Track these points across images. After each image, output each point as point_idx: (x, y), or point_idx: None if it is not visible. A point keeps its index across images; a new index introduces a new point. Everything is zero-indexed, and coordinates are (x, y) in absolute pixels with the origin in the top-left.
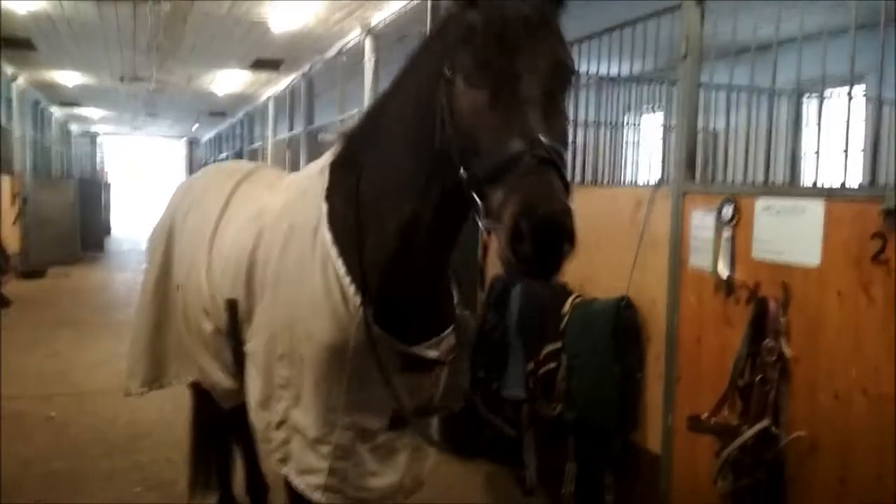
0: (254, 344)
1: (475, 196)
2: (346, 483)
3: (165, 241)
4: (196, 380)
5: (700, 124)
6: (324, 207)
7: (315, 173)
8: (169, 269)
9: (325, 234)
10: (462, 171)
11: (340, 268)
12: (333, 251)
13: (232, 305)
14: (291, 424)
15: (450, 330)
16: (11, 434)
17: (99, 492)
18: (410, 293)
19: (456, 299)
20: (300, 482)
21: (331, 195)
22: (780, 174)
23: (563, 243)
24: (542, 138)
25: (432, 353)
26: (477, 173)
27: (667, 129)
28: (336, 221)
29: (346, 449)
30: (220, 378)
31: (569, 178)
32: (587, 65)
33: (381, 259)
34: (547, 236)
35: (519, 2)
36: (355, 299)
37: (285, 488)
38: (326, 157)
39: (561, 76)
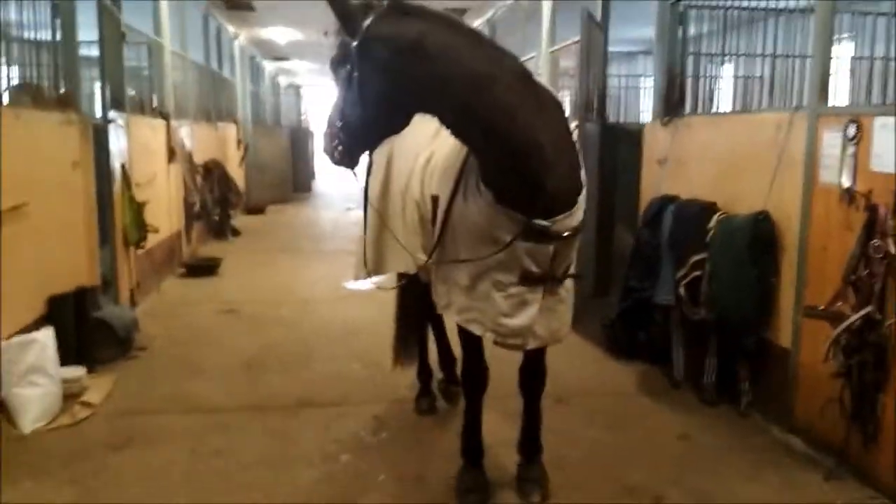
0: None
1: None
2: (486, 318)
3: (386, 163)
4: (403, 271)
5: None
6: None
7: None
8: (389, 182)
9: (473, 160)
10: None
11: (478, 174)
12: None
13: (435, 200)
14: (452, 279)
15: (564, 216)
16: (256, 327)
17: (325, 367)
18: (514, 186)
19: (583, 199)
20: (459, 318)
21: None
22: None
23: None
24: None
25: (542, 223)
26: None
27: (854, 59)
28: None
29: (485, 294)
30: (421, 256)
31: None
32: None
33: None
34: None
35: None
36: (487, 194)
37: (458, 334)
38: None
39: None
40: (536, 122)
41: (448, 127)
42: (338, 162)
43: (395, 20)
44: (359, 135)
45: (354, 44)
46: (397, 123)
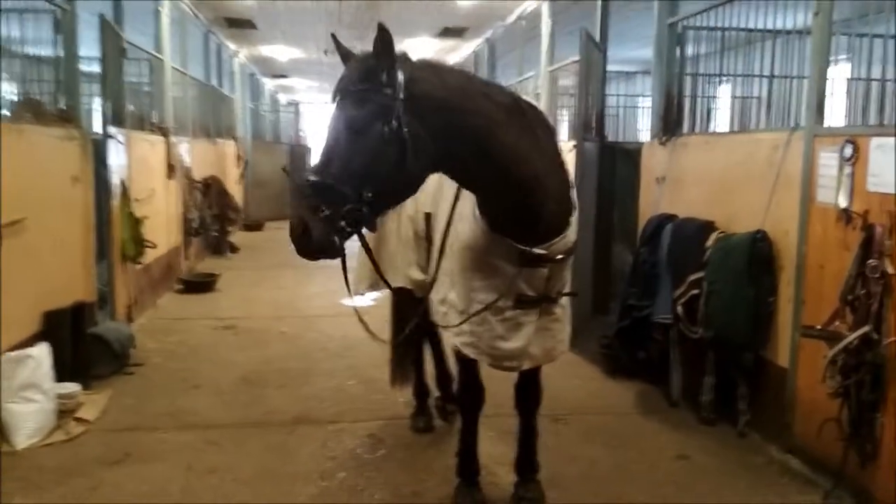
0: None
1: None
2: (482, 342)
3: None
4: (398, 286)
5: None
6: None
7: None
8: None
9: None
10: None
11: (474, 201)
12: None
13: (428, 217)
14: (449, 301)
15: (558, 239)
16: (254, 343)
17: (323, 383)
18: (511, 217)
19: (575, 219)
20: (454, 341)
21: None
22: None
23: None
24: (310, 176)
25: (539, 251)
26: None
27: (851, 80)
28: None
29: (481, 318)
30: (415, 273)
31: None
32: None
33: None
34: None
35: (347, 71)
36: (482, 221)
37: (454, 353)
38: None
39: (346, 126)
40: (534, 154)
41: (459, 175)
42: (335, 246)
43: (428, 74)
44: (390, 197)
45: (401, 97)
46: (423, 180)
